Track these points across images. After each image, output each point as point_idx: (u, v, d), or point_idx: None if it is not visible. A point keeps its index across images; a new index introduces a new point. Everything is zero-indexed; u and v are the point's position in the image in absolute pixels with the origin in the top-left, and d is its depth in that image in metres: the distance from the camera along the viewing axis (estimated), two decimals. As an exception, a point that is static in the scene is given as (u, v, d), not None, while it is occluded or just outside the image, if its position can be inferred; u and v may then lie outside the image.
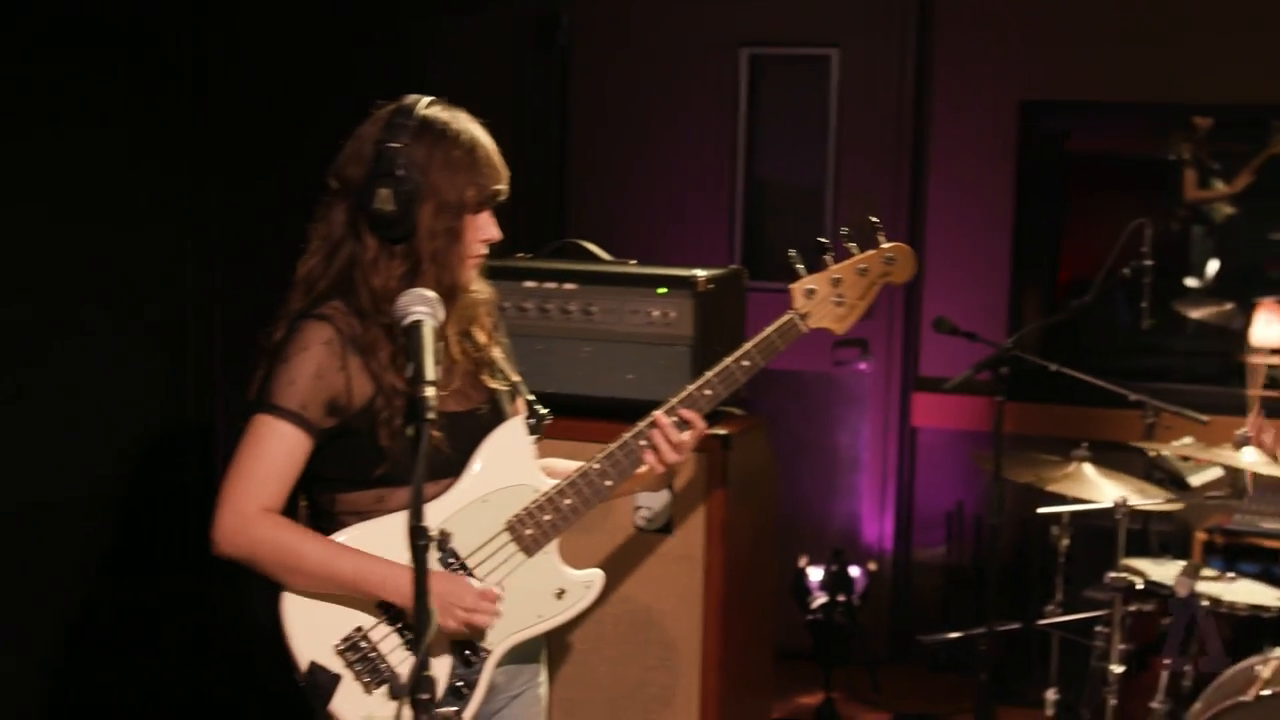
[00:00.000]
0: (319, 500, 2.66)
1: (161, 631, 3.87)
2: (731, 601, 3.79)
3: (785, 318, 2.80)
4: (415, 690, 1.86)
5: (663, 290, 3.77)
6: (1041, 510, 4.44)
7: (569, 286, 3.86)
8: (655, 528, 3.78)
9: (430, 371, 2.04)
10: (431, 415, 1.99)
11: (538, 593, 2.68)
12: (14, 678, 3.51)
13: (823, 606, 5.30)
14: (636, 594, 3.79)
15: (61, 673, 3.65)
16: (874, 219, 2.89)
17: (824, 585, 5.33)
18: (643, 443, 2.73)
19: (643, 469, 2.75)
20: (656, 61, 5.86)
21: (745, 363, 2.78)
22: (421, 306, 2.12)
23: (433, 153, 2.57)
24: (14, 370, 3.45)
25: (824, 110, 5.77)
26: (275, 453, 2.55)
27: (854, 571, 5.37)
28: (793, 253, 2.82)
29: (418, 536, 1.93)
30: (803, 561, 5.39)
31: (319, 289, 2.60)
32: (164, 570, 3.84)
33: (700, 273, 3.77)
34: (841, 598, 5.30)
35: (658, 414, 2.74)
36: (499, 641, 2.65)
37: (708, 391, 2.76)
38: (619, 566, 3.79)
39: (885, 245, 2.82)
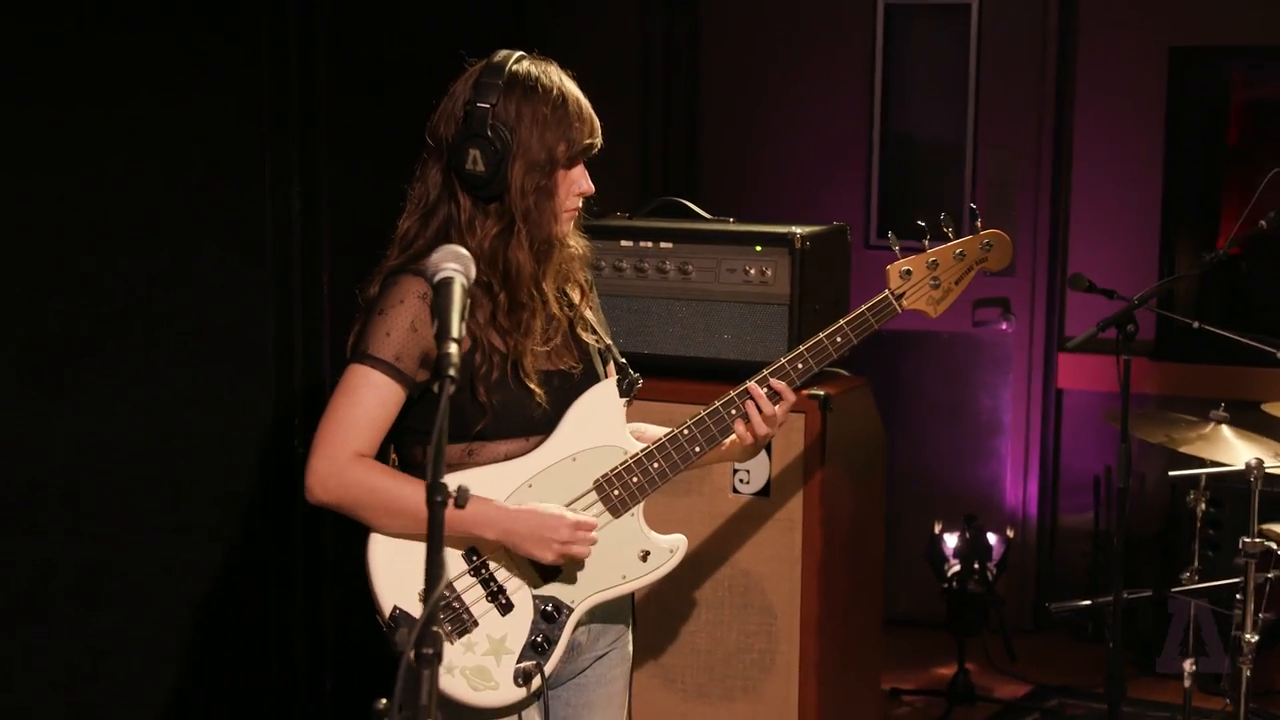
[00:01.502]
0: (409, 453, 2.74)
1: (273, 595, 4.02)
2: (831, 566, 3.80)
3: (880, 296, 2.87)
4: (419, 644, 1.90)
5: (759, 248, 3.78)
6: (1173, 473, 4.35)
7: (665, 245, 3.89)
8: (753, 491, 3.81)
9: (456, 329, 2.07)
10: (452, 373, 2.02)
11: (623, 553, 2.74)
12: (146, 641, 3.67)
13: (957, 574, 5.26)
14: (734, 558, 3.83)
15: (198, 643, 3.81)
16: (973, 205, 3.00)
17: (959, 552, 5.29)
18: (734, 411, 2.79)
19: (732, 438, 2.80)
20: (790, 13, 5.85)
21: (838, 338, 2.84)
22: (453, 263, 2.14)
23: (520, 110, 2.63)
24: (132, 323, 3.60)
25: (963, 61, 5.69)
26: (369, 401, 2.62)
27: (991, 538, 5.32)
28: (891, 234, 2.90)
29: (435, 492, 1.97)
30: (938, 528, 5.35)
31: (416, 247, 2.67)
32: (275, 542, 3.98)
33: (798, 230, 3.77)
34: (977, 565, 5.25)
35: (750, 383, 2.80)
36: (582, 599, 2.71)
37: (799, 365, 2.82)
38: (716, 530, 3.83)
39: (983, 231, 2.90)
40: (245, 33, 3.85)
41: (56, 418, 3.45)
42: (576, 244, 2.78)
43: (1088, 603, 4.76)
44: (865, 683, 4.16)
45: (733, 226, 3.94)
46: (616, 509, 2.73)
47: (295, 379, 4.01)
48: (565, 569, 2.70)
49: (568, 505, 2.70)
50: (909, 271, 2.87)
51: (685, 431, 2.76)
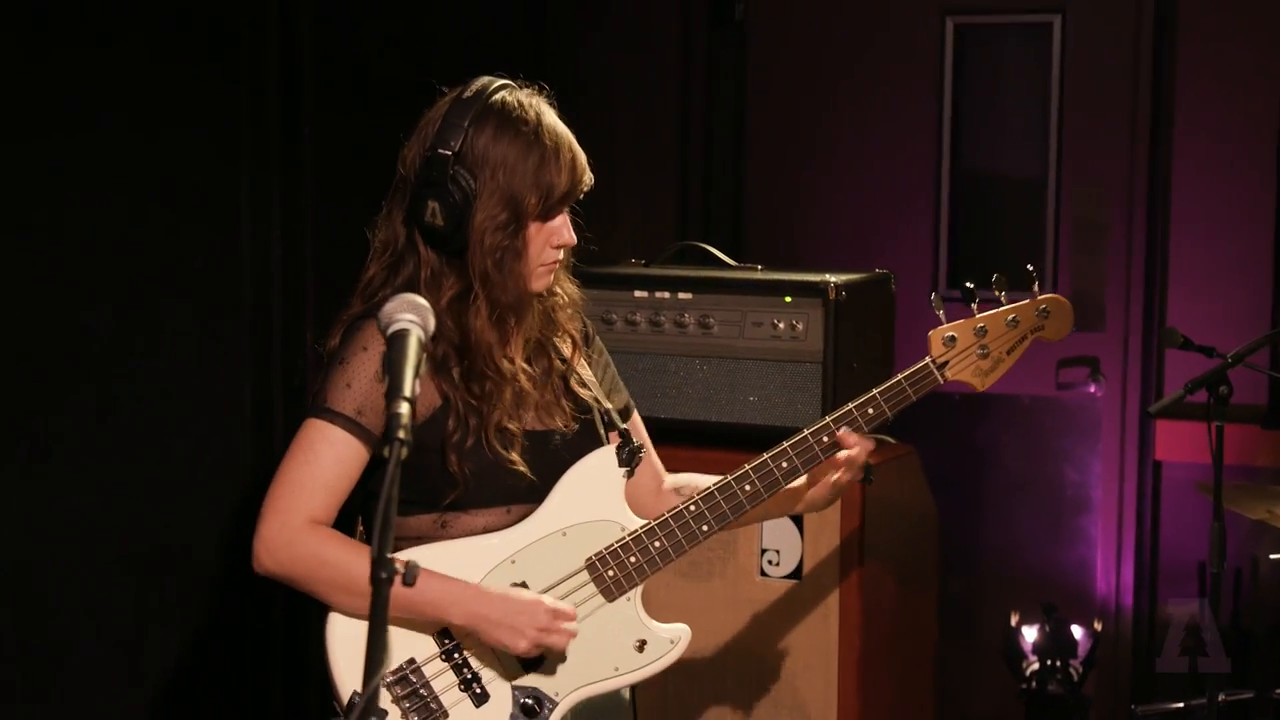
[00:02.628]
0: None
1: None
2: (873, 661, 3.83)
3: (921, 364, 2.92)
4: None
5: (789, 299, 3.84)
6: (1274, 556, 4.36)
7: (684, 296, 3.96)
8: (783, 574, 3.85)
9: (407, 387, 2.14)
10: (402, 434, 2.09)
11: (616, 642, 2.78)
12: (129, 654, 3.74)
13: (1036, 673, 5.26)
14: (762, 650, 3.86)
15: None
16: (1030, 267, 3.05)
17: (1039, 648, 5.29)
18: (748, 487, 2.84)
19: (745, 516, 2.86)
20: (846, 34, 5.91)
21: (870, 410, 2.89)
22: (409, 314, 2.19)
23: (488, 154, 2.68)
24: (98, 375, 3.68)
25: (1045, 86, 5.72)
26: (326, 460, 2.67)
27: (1076, 632, 5.32)
28: (935, 296, 2.95)
29: (380, 568, 2.03)
30: (1015, 619, 5.36)
31: (379, 297, 2.72)
32: (251, 622, 4.04)
33: (832, 279, 3.84)
34: (1059, 663, 5.25)
35: (768, 457, 2.85)
36: (568, 691, 2.75)
37: (824, 439, 2.87)
38: (741, 618, 3.87)
39: (1041, 296, 2.97)
40: (221, 51, 3.90)
41: (4, 488, 3.49)
42: (564, 291, 2.84)
43: (1180, 705, 4.76)
44: (916, 797, 4.18)
45: (760, 275, 4.01)
46: (610, 592, 2.78)
47: (276, 444, 4.06)
48: (548, 657, 2.75)
49: (556, 585, 2.75)
50: (953, 338, 2.92)
51: (692, 508, 2.81)
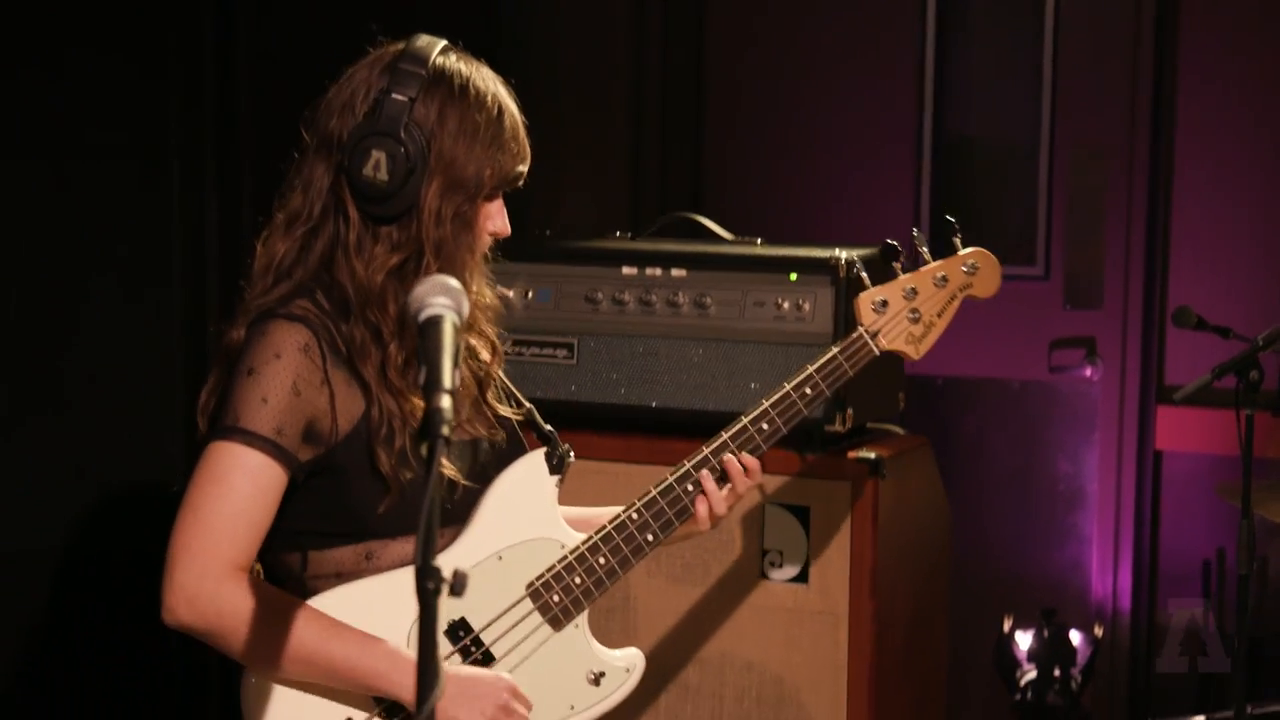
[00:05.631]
0: (281, 561, 2.66)
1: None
2: (885, 672, 3.82)
3: (854, 335, 2.95)
4: None
5: (794, 276, 3.82)
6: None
7: (677, 273, 3.92)
8: (787, 577, 3.83)
9: (447, 378, 2.07)
10: (446, 431, 2.03)
11: (569, 677, 2.75)
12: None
13: (1033, 683, 5.28)
14: (764, 661, 3.85)
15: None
16: (950, 218, 3.09)
17: (1035, 655, 5.31)
18: (690, 488, 2.81)
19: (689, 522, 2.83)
20: (820, -14, 5.91)
21: (807, 390, 2.90)
22: (442, 298, 2.13)
23: (445, 114, 2.61)
24: (14, 356, 3.61)
25: (1037, 45, 5.75)
26: (246, 492, 2.52)
27: (1075, 638, 5.34)
28: (854, 257, 2.93)
29: (427, 577, 1.98)
30: (1008, 624, 5.38)
31: (296, 278, 2.63)
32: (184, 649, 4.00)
33: (843, 254, 3.81)
34: (1057, 672, 5.27)
35: (707, 452, 2.83)
36: None
37: (764, 426, 2.86)
38: (741, 626, 3.85)
39: (965, 251, 3.01)
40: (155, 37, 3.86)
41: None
42: (481, 292, 2.77)
43: (1201, 718, 4.79)
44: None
45: (761, 250, 3.98)
46: (558, 620, 2.73)
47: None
48: None
49: (498, 617, 2.69)
50: (885, 302, 2.96)
51: (634, 516, 2.78)
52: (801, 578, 3.83)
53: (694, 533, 2.88)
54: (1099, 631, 5.46)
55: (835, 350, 2.92)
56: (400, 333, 2.61)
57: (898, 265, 3.01)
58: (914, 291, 2.95)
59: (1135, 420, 5.74)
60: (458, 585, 1.99)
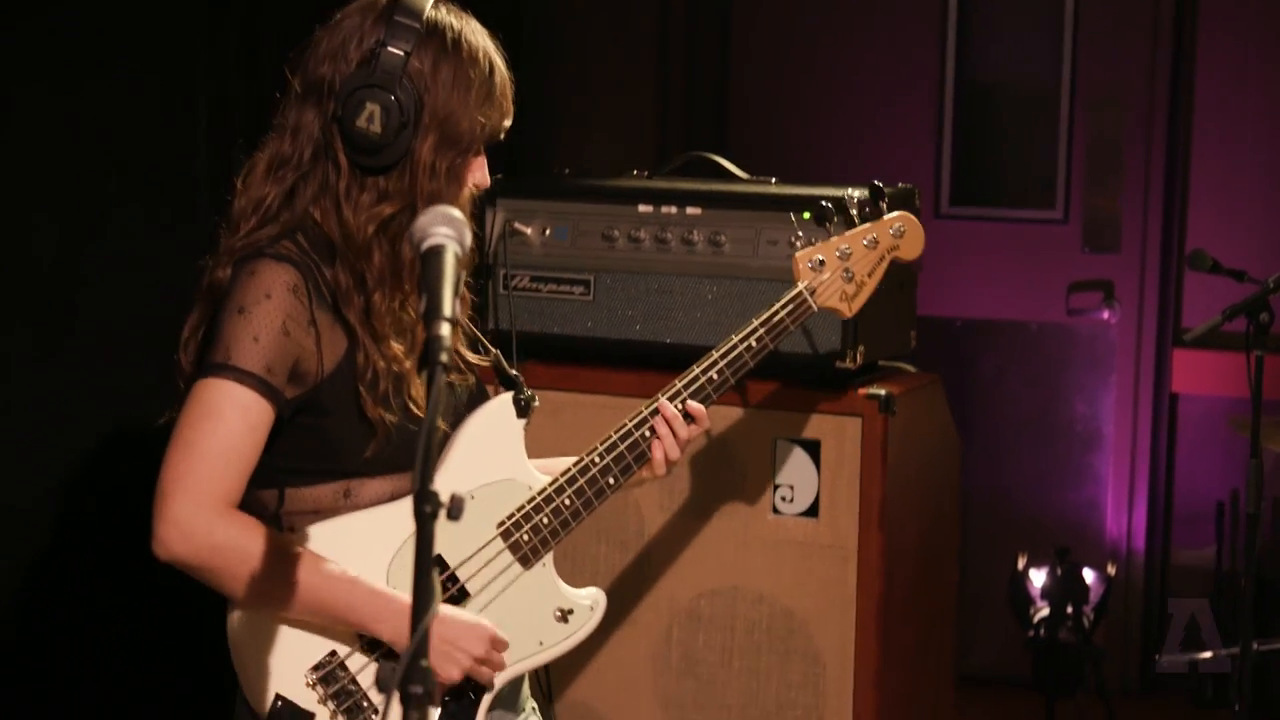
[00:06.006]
0: (257, 499, 2.67)
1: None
2: (894, 605, 3.85)
3: (794, 292, 3.04)
4: (406, 682, 1.96)
5: (807, 215, 3.83)
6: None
7: (692, 211, 3.94)
8: (798, 511, 3.86)
9: (447, 307, 2.09)
10: (445, 358, 2.06)
11: (537, 615, 2.79)
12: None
13: (1045, 621, 5.32)
14: (775, 594, 3.88)
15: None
16: (877, 181, 3.26)
17: (1048, 594, 5.35)
18: (649, 432, 2.86)
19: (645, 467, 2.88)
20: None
21: (753, 343, 2.98)
22: (445, 228, 2.14)
23: (439, 68, 2.61)
24: (27, 301, 3.64)
25: (1059, -11, 5.76)
26: (237, 428, 2.54)
27: (1088, 576, 5.37)
28: (792, 216, 3.18)
29: (424, 501, 2.01)
30: (1022, 562, 5.41)
31: (282, 221, 2.63)
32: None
33: (855, 193, 3.82)
34: (1070, 610, 5.31)
35: (660, 400, 2.88)
36: (499, 677, 2.74)
37: (714, 376, 2.93)
38: (752, 560, 3.88)
39: (890, 215, 3.11)
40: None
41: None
42: None
43: (1206, 655, 4.82)
44: (933, 749, 4.21)
45: (775, 189, 3.99)
46: (528, 559, 2.77)
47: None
48: None
49: (472, 556, 2.73)
50: (821, 261, 3.06)
51: (596, 459, 2.82)
52: (812, 512, 3.85)
53: (648, 478, 2.93)
54: (1112, 570, 5.49)
55: (777, 306, 3.01)
56: (384, 280, 2.64)
57: (829, 227, 3.18)
58: (847, 252, 3.05)
59: (1151, 363, 5.76)
60: (455, 509, 2.01)
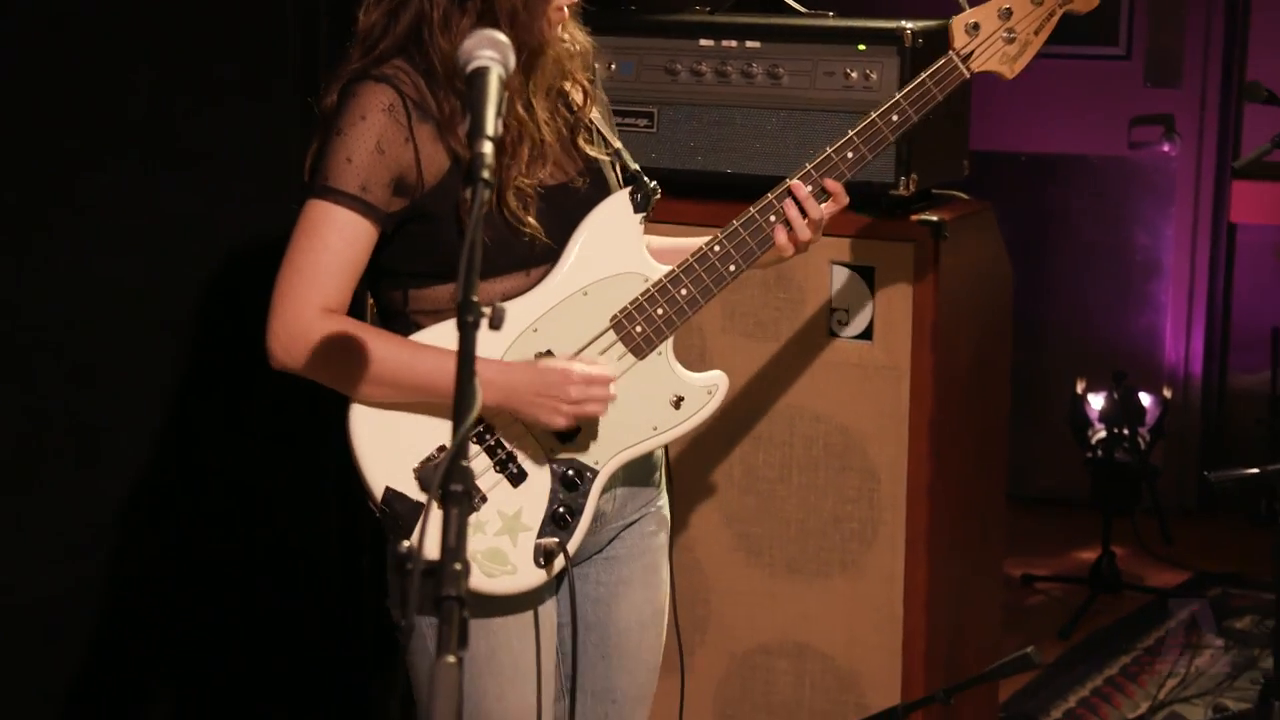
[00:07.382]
0: (388, 298, 2.79)
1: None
2: (945, 423, 3.89)
3: (944, 59, 2.91)
4: (446, 480, 2.00)
5: (863, 47, 3.83)
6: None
7: (752, 44, 3.94)
8: (853, 334, 3.90)
9: (489, 125, 2.13)
10: (486, 175, 2.10)
11: (652, 401, 2.80)
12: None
13: (1103, 442, 5.35)
14: (831, 413, 3.92)
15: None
16: None
17: (1106, 416, 5.37)
18: (772, 217, 2.84)
19: (771, 251, 2.86)
20: None
21: (894, 116, 2.89)
22: (489, 50, 2.16)
23: None
24: (131, 139, 3.69)
25: None
26: (335, 244, 2.64)
27: (1145, 400, 5.39)
28: (920, 28, 2.90)
29: (466, 311, 2.05)
30: (1081, 387, 5.43)
31: (381, 48, 2.69)
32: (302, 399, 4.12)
33: (909, 25, 3.82)
34: (1127, 431, 5.33)
35: (793, 181, 2.86)
36: (608, 459, 2.78)
37: (849, 154, 2.88)
38: (808, 379, 3.92)
39: None
40: None
41: (42, 250, 3.53)
42: (574, 37, 2.81)
43: (1256, 471, 4.83)
44: (985, 563, 4.26)
45: (833, 21, 3.99)
46: (640, 349, 2.78)
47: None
48: (584, 426, 2.77)
49: (582, 349, 2.76)
50: (977, 25, 2.90)
51: (717, 248, 2.81)
52: (867, 335, 3.89)
53: (779, 259, 2.90)
54: (1168, 393, 5.50)
55: (925, 75, 2.89)
56: None
57: None
58: (1009, 11, 2.89)
59: (1210, 194, 5.75)
60: (496, 319, 2.06)
